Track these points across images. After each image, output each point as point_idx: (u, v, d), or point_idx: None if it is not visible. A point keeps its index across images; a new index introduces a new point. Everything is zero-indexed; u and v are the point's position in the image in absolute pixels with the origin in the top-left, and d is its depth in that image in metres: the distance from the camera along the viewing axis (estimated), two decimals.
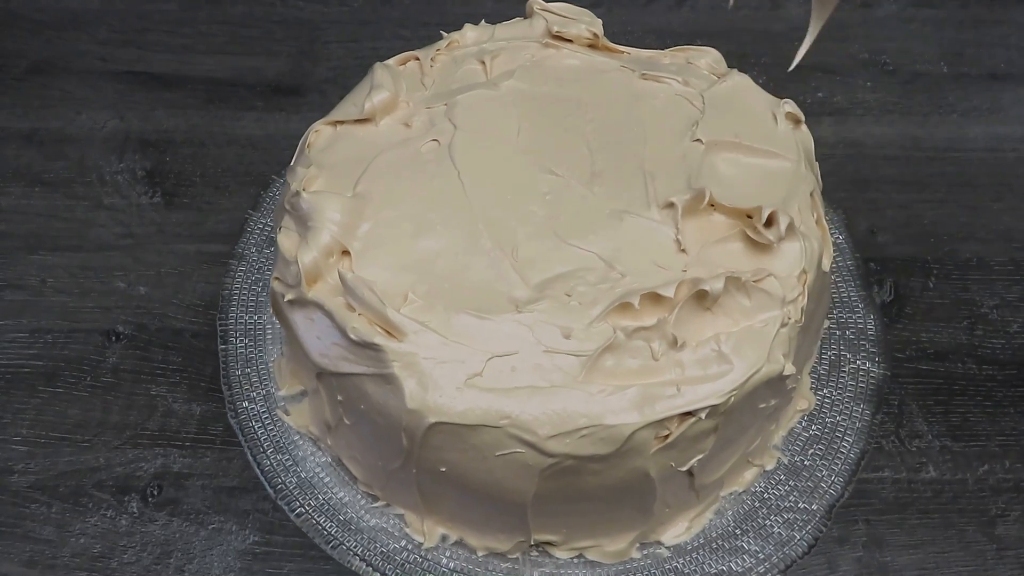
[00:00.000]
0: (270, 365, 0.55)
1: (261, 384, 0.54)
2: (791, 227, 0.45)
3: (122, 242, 0.67)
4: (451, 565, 0.49)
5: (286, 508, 0.50)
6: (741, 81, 0.53)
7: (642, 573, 0.49)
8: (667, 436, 0.42)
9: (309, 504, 0.50)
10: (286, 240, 0.47)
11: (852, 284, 0.58)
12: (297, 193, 0.47)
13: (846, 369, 0.55)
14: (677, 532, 0.49)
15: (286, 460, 0.52)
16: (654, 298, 0.43)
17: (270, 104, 0.76)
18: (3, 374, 0.61)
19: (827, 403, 0.54)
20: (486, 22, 0.57)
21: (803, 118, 0.51)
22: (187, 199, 0.70)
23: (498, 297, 0.44)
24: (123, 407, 0.59)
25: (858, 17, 0.84)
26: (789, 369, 0.44)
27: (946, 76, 0.79)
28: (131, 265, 0.66)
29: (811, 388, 0.54)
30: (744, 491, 0.51)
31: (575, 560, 0.49)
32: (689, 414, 0.42)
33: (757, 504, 0.51)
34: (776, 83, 0.78)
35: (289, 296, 0.46)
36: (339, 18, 0.83)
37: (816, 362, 0.55)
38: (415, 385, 0.42)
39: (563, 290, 0.44)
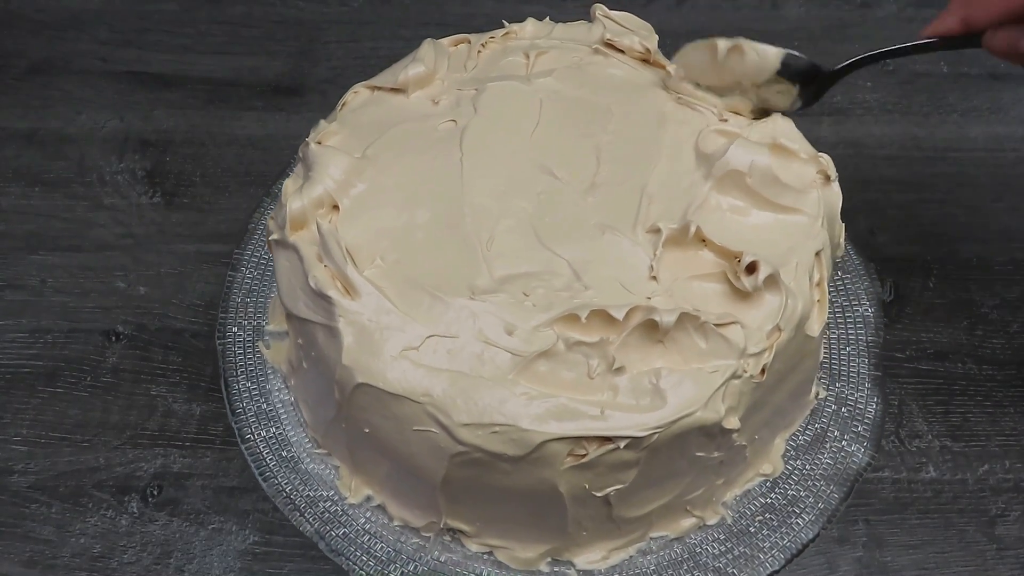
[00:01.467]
0: (270, 300, 0.57)
1: (255, 315, 0.57)
2: (772, 279, 0.43)
3: (122, 242, 0.67)
4: (366, 527, 0.50)
5: (237, 432, 0.52)
6: (783, 125, 0.50)
7: None
8: (583, 456, 0.41)
9: (259, 434, 0.52)
10: (290, 184, 0.49)
11: (867, 361, 0.55)
12: (307, 143, 0.49)
13: (828, 446, 0.52)
14: (592, 558, 0.49)
15: (252, 389, 0.54)
16: (605, 317, 0.42)
17: (270, 104, 0.76)
18: (3, 374, 0.61)
19: (796, 475, 0.51)
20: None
21: (835, 176, 0.49)
22: (187, 199, 0.70)
23: (458, 281, 0.44)
24: (123, 407, 0.59)
25: (858, 17, 0.84)
26: (732, 423, 0.43)
27: (946, 76, 0.79)
28: (131, 265, 0.66)
29: (785, 455, 0.52)
30: (676, 539, 0.50)
31: (484, 556, 0.49)
32: (608, 440, 0.41)
33: (686, 555, 0.49)
34: None
35: (275, 236, 0.48)
36: (339, 18, 0.83)
37: (800, 431, 0.53)
38: (353, 343, 0.43)
39: (523, 288, 0.44)
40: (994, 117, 0.76)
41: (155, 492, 0.56)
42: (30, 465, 0.57)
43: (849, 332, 0.57)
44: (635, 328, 0.42)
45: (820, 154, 0.49)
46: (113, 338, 0.62)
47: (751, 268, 0.44)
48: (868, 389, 0.54)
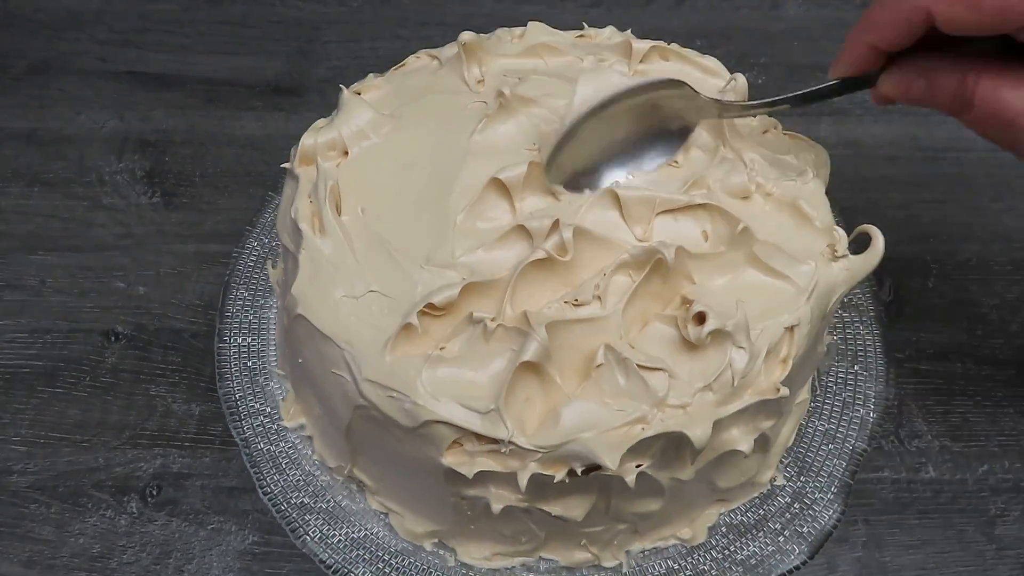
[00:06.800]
0: None
1: (269, 245, 0.59)
2: (719, 334, 0.41)
3: (122, 242, 0.67)
4: (288, 451, 0.52)
5: (217, 333, 0.55)
6: (813, 187, 0.48)
7: (419, 563, 0.48)
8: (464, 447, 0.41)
9: (235, 340, 0.56)
10: (321, 122, 0.51)
11: (843, 465, 0.51)
12: (343, 89, 0.51)
13: (762, 536, 0.49)
14: (475, 554, 0.48)
15: (247, 299, 0.57)
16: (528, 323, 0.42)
17: (269, 104, 0.76)
18: (3, 374, 0.61)
19: (716, 551, 0.49)
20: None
21: (842, 254, 0.46)
22: (186, 199, 0.70)
23: (421, 250, 0.45)
24: (122, 407, 0.59)
25: (858, 17, 0.84)
26: (628, 473, 0.41)
27: None
28: (131, 265, 0.66)
29: (713, 528, 0.49)
30: (567, 568, 0.48)
31: (380, 514, 0.50)
32: (493, 441, 0.40)
33: None
34: (775, 83, 0.78)
35: (286, 164, 0.51)
36: (338, 18, 0.83)
37: (741, 510, 0.50)
38: (305, 275, 0.45)
39: None
40: None
41: (154, 492, 0.56)
42: (29, 465, 0.57)
43: (839, 429, 0.53)
44: None
45: (836, 228, 0.47)
46: (112, 338, 0.62)
47: (700, 318, 0.42)
48: (832, 493, 0.50)
